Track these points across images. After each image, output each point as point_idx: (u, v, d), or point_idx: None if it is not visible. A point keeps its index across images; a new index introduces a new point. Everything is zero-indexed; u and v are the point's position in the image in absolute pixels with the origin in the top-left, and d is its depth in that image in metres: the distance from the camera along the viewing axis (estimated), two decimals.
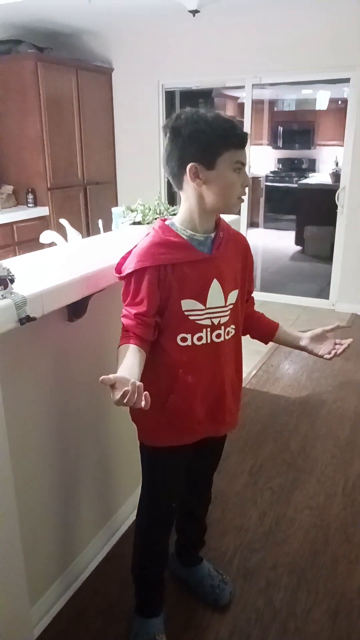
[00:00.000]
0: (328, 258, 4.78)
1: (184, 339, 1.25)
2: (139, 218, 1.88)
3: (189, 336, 1.25)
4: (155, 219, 1.71)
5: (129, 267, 1.21)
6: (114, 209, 2.04)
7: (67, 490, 1.65)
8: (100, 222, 2.11)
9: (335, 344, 1.39)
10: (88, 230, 4.77)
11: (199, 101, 6.35)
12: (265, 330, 1.48)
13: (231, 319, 1.30)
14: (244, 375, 3.26)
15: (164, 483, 1.43)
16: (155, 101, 4.78)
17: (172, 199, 1.37)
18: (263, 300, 4.67)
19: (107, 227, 2.09)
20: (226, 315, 1.28)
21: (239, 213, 4.53)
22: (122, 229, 1.94)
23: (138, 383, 1.00)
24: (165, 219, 1.29)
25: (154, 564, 1.51)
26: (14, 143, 4.33)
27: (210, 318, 1.26)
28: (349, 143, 4.20)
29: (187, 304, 1.23)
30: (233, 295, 1.30)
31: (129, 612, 1.58)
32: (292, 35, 4.10)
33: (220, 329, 1.28)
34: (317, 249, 6.23)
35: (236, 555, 1.85)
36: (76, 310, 1.48)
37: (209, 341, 1.27)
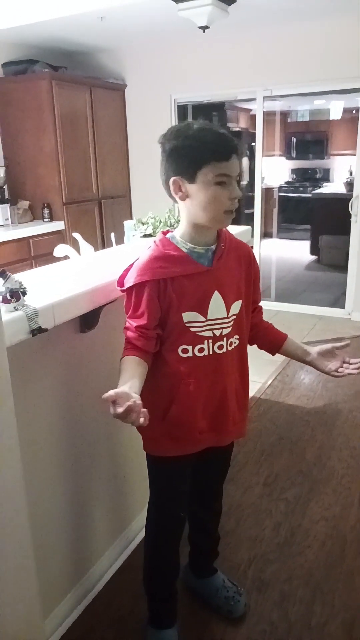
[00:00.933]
0: (343, 267, 4.75)
1: (185, 350, 1.25)
2: (149, 231, 1.90)
3: (190, 347, 1.25)
4: None
5: (129, 281, 1.23)
6: (125, 222, 2.07)
7: (80, 501, 1.65)
8: (112, 235, 2.15)
9: (344, 362, 1.38)
10: (103, 243, 4.83)
11: (212, 114, 6.40)
12: (272, 341, 1.46)
13: (234, 330, 1.30)
14: (259, 385, 3.22)
15: (169, 492, 1.43)
16: (167, 115, 4.85)
17: None
18: (278, 309, 4.66)
19: (120, 240, 2.12)
20: (228, 327, 1.28)
21: (251, 224, 4.56)
22: (133, 242, 1.97)
23: (138, 402, 1.01)
24: (166, 232, 1.30)
25: (164, 573, 1.50)
26: (30, 159, 4.43)
27: (211, 329, 1.26)
28: None
29: (187, 316, 1.23)
30: (236, 306, 1.30)
31: (143, 623, 1.58)
32: (300, 47, 4.13)
33: (223, 340, 1.28)
34: (333, 258, 6.20)
35: (251, 566, 1.84)
36: (88, 321, 1.50)
37: (210, 352, 1.27)
